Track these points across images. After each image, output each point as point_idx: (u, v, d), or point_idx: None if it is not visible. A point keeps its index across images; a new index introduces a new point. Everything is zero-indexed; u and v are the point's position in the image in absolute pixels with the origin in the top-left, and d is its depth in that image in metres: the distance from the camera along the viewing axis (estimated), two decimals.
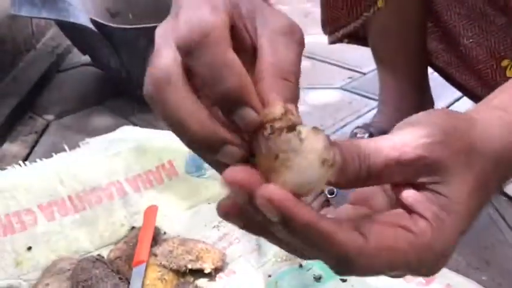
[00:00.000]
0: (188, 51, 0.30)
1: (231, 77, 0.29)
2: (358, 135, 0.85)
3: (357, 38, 0.85)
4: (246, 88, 0.29)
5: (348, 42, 0.85)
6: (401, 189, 0.32)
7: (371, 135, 0.83)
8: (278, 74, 0.31)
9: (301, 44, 0.34)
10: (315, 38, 1.55)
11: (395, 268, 0.31)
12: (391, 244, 0.30)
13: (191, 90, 0.31)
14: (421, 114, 0.34)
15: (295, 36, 0.33)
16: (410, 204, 0.32)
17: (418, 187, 0.32)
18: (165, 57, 0.31)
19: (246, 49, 0.34)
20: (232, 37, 0.31)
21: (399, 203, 0.32)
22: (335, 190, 0.78)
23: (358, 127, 0.87)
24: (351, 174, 0.31)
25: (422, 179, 0.31)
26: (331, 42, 0.84)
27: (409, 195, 0.32)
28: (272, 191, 0.28)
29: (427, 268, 0.32)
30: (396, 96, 0.85)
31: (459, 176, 0.31)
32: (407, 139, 0.31)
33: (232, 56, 0.29)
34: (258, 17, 0.34)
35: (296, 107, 0.31)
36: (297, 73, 0.32)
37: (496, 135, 0.33)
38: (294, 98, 0.32)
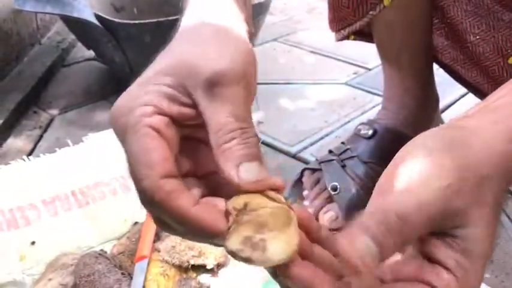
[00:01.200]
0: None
1: (192, 228, 0.31)
2: (362, 132, 0.84)
3: (363, 34, 0.84)
4: (210, 228, 0.31)
5: (354, 39, 0.85)
6: (422, 237, 0.32)
7: (375, 132, 0.82)
8: (222, 141, 0.33)
9: (233, 82, 0.34)
10: (320, 33, 1.55)
11: None
12: None
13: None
14: (424, 152, 0.33)
15: (225, 81, 0.34)
16: (431, 252, 0.32)
17: (438, 234, 0.32)
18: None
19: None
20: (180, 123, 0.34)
21: (419, 250, 0.33)
22: (338, 186, 0.78)
23: (362, 123, 0.86)
24: (390, 253, 0.32)
25: (443, 228, 0.32)
26: (338, 40, 0.84)
27: (430, 243, 0.32)
28: None
29: None
30: (401, 92, 0.84)
31: (475, 215, 0.32)
32: (425, 197, 0.31)
33: (185, 205, 0.31)
34: (189, 80, 0.34)
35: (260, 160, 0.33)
36: (243, 119, 0.33)
37: (497, 148, 0.33)
38: (254, 151, 0.33)
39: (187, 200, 0.32)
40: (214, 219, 0.31)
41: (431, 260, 0.32)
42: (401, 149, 0.34)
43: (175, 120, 0.34)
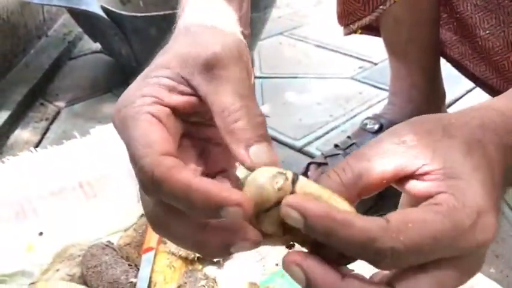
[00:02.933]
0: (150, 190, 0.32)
1: (196, 199, 0.30)
2: (368, 126, 0.84)
3: (370, 28, 0.84)
4: (216, 197, 0.30)
5: (361, 33, 0.84)
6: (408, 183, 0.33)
7: (381, 127, 0.82)
8: (229, 121, 0.33)
9: (232, 63, 0.35)
10: (326, 27, 1.54)
11: (438, 241, 0.29)
12: (417, 216, 0.29)
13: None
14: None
15: (223, 63, 0.34)
16: (426, 191, 0.31)
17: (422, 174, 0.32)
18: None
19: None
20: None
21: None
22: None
23: (368, 118, 0.86)
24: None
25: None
26: (346, 34, 0.83)
27: (419, 185, 0.32)
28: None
29: (471, 232, 0.30)
30: (407, 87, 0.84)
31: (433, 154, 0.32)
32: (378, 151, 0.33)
33: (187, 177, 0.31)
34: (186, 68, 0.35)
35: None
36: (247, 97, 0.34)
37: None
38: (262, 132, 0.33)
39: (189, 172, 0.31)
40: (219, 188, 0.30)
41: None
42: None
43: (178, 113, 0.35)
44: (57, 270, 0.66)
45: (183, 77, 0.35)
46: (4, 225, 0.69)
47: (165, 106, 0.34)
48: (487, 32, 0.71)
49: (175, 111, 0.35)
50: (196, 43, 0.36)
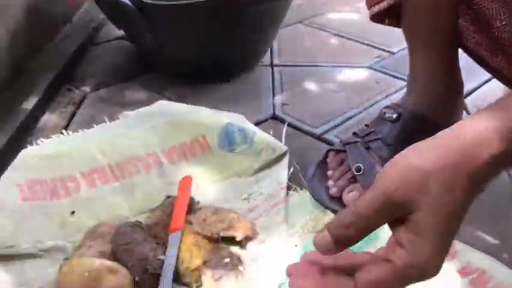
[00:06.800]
0: None
1: None
2: (387, 115, 0.86)
3: (397, 17, 0.85)
4: None
5: (388, 24, 0.86)
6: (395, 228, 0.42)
7: (399, 116, 0.84)
8: None
9: None
10: (344, 15, 1.56)
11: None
12: (375, 277, 0.42)
13: None
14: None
15: None
16: (395, 236, 0.42)
17: (403, 221, 0.41)
18: None
19: None
20: None
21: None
22: (362, 167, 0.81)
23: (387, 106, 0.88)
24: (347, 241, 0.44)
25: (400, 214, 0.41)
26: (373, 19, 0.85)
27: (396, 231, 0.42)
28: None
29: (417, 278, 0.41)
30: (426, 76, 0.86)
31: (420, 202, 0.40)
32: (371, 193, 0.43)
33: None
34: None
35: None
36: None
37: (449, 148, 0.41)
38: None
39: None
40: None
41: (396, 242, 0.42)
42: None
43: None
44: (89, 247, 0.70)
45: None
46: (39, 203, 0.73)
47: None
48: (503, 22, 0.72)
49: None
50: None
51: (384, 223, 0.43)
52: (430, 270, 0.41)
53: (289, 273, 0.48)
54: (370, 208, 0.42)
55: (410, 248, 0.40)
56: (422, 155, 0.42)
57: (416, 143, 0.44)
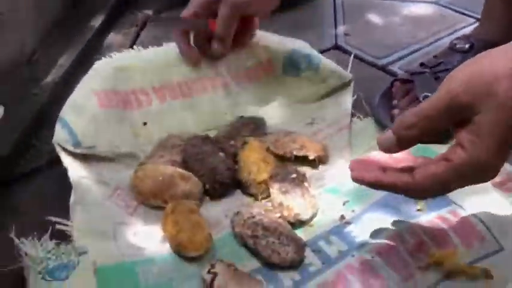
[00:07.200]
0: None
1: None
2: (458, 46, 0.84)
3: None
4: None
5: None
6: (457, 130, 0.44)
7: (472, 46, 0.82)
8: None
9: None
10: None
11: (445, 186, 0.45)
12: (432, 172, 0.44)
13: None
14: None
15: None
16: (456, 137, 0.44)
17: (464, 123, 0.43)
18: None
19: None
20: None
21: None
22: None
23: (457, 38, 0.86)
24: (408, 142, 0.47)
25: (463, 116, 0.43)
26: None
27: (458, 133, 0.44)
28: None
29: (474, 179, 0.44)
30: (501, 6, 0.83)
31: (484, 104, 0.41)
32: (435, 97, 0.44)
33: None
34: None
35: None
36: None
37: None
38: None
39: None
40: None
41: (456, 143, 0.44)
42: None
43: None
44: (161, 156, 0.73)
45: None
46: (115, 111, 0.75)
47: None
48: None
49: None
50: None
51: (447, 125, 0.45)
52: (487, 170, 0.43)
53: (351, 168, 0.50)
54: (433, 109, 0.43)
55: (470, 148, 0.42)
56: (492, 60, 0.42)
57: (488, 50, 0.44)
